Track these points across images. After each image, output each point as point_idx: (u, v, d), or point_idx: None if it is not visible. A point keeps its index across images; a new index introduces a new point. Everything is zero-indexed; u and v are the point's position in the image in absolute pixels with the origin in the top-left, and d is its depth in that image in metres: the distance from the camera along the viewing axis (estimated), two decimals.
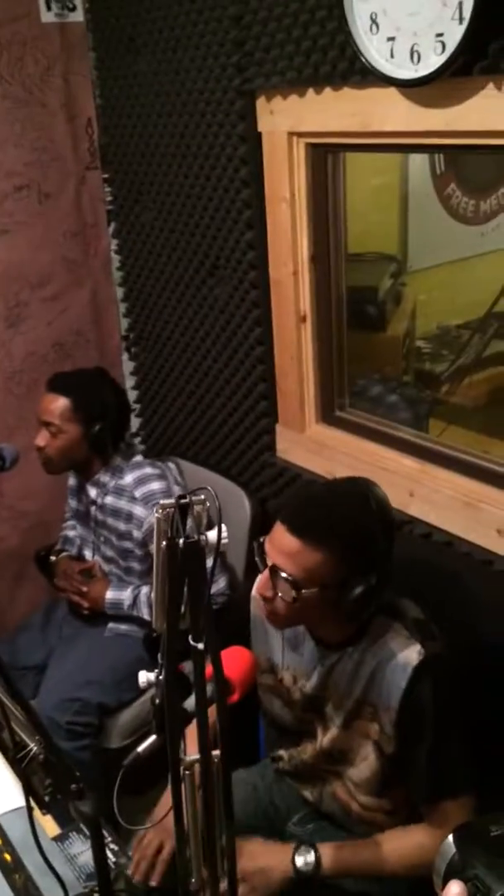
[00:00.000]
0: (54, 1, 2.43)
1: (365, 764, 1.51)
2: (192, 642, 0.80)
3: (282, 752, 1.68)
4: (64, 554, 2.48)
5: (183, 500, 0.78)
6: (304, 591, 1.36)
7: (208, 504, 0.79)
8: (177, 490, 2.28)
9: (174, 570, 0.74)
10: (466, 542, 1.84)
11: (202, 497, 0.79)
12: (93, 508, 2.35)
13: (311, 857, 1.44)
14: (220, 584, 2.21)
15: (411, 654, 1.42)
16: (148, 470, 2.29)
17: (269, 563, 1.40)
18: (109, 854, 1.42)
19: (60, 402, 2.21)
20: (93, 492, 2.31)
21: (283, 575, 1.37)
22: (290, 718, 1.61)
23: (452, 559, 1.85)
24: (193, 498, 0.79)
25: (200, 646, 0.79)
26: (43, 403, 2.24)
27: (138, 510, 2.21)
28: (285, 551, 1.37)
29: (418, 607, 1.51)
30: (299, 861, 1.44)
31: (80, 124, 2.61)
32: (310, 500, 1.45)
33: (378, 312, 2.72)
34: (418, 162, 2.81)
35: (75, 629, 2.39)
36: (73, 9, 2.48)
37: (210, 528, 0.79)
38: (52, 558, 2.48)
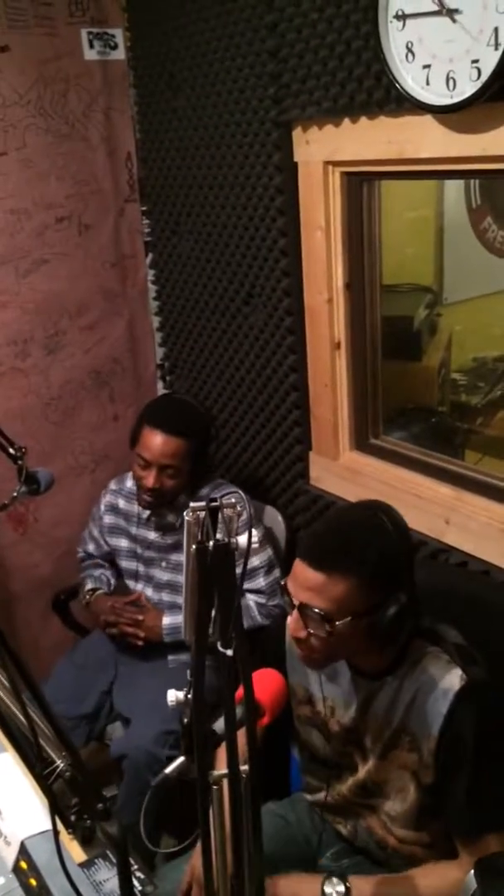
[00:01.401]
0: (97, 39, 2.51)
1: (402, 796, 1.46)
2: (220, 648, 0.79)
3: (319, 785, 1.63)
4: (100, 592, 2.42)
5: (213, 504, 0.78)
6: (337, 622, 1.33)
7: (239, 508, 0.78)
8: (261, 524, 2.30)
9: (203, 574, 0.74)
10: None
11: (233, 501, 0.78)
12: (156, 534, 2.32)
13: (340, 888, 1.39)
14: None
15: (453, 680, 1.38)
16: (222, 481, 2.31)
17: (296, 602, 1.37)
18: (136, 882, 1.39)
19: (180, 444, 2.15)
20: (170, 516, 2.29)
21: (313, 611, 1.34)
22: (329, 751, 1.57)
23: (490, 588, 1.81)
24: (224, 501, 0.78)
25: (229, 652, 0.77)
26: (159, 446, 2.14)
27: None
28: (311, 587, 1.35)
29: (458, 633, 1.48)
30: (328, 889, 1.39)
31: (120, 158, 2.68)
32: (325, 532, 1.43)
33: (413, 342, 2.72)
34: (454, 195, 2.83)
35: (131, 667, 2.32)
36: (115, 47, 2.55)
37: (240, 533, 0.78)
38: (88, 598, 2.42)
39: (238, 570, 0.76)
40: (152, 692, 2.15)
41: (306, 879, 1.45)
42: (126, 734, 2.19)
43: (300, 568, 1.37)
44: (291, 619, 1.39)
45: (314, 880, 1.42)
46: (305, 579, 1.35)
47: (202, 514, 0.77)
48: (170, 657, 2.28)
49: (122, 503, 2.42)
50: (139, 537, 2.38)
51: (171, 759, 2.04)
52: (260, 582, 2.20)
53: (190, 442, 2.17)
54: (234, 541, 0.74)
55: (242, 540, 0.76)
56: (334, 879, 1.40)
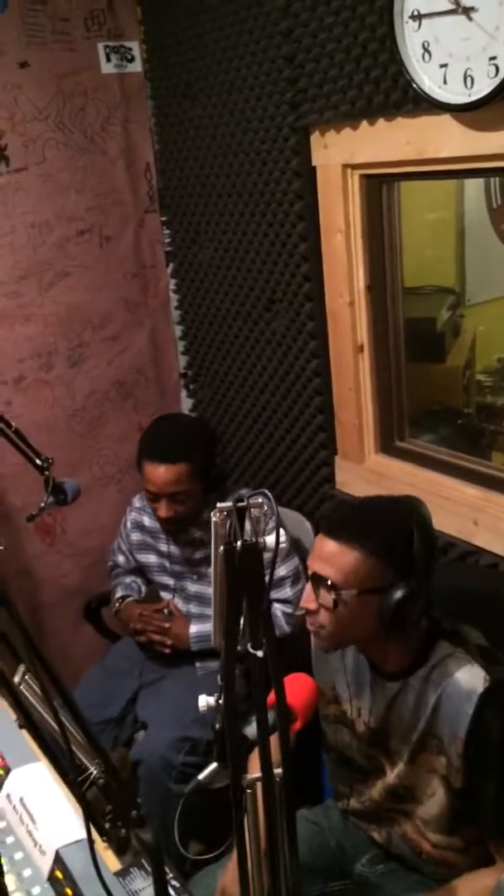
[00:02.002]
0: (114, 53, 2.53)
1: (433, 800, 1.45)
2: (250, 649, 0.78)
3: (349, 790, 1.62)
4: (129, 599, 2.43)
5: (240, 504, 0.78)
6: (342, 592, 1.35)
7: (266, 508, 0.78)
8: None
9: (232, 575, 0.73)
10: None
11: (260, 500, 0.78)
12: (184, 550, 2.32)
13: None
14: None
15: (476, 681, 1.37)
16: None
17: (310, 573, 1.41)
18: (171, 891, 1.38)
19: (180, 469, 2.14)
20: (196, 532, 2.28)
21: (322, 579, 1.37)
22: (357, 752, 1.56)
23: None
24: (251, 501, 0.78)
25: (260, 653, 0.77)
26: (160, 477, 2.15)
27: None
28: (323, 556, 1.39)
29: (481, 634, 1.46)
30: None
31: (139, 170, 2.69)
32: (347, 507, 1.50)
33: (437, 344, 2.70)
34: (474, 195, 2.81)
35: (158, 674, 2.32)
36: (132, 60, 2.57)
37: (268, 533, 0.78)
38: (117, 605, 2.43)
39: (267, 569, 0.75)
40: (173, 699, 2.18)
41: None
42: (143, 740, 2.20)
43: (319, 539, 1.42)
44: (305, 591, 1.43)
45: None
46: (320, 549, 1.40)
47: (229, 514, 0.77)
48: (198, 664, 2.28)
49: (146, 520, 2.43)
50: (167, 553, 2.38)
51: (185, 766, 2.06)
52: (287, 591, 2.19)
53: (192, 463, 2.16)
54: (262, 540, 0.74)
55: (270, 540, 0.76)
56: None
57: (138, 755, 2.12)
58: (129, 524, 2.47)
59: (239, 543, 0.73)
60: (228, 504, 0.79)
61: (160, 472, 2.15)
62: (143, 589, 2.50)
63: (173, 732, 2.08)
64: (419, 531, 1.39)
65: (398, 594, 1.35)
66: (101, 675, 2.40)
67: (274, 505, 0.79)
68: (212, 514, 0.80)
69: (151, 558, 2.42)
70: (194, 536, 2.29)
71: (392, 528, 1.38)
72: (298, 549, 2.32)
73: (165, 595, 2.42)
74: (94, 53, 2.51)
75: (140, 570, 2.50)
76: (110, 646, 2.57)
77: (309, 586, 1.41)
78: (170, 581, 2.40)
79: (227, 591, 0.75)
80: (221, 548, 0.75)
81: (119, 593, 2.46)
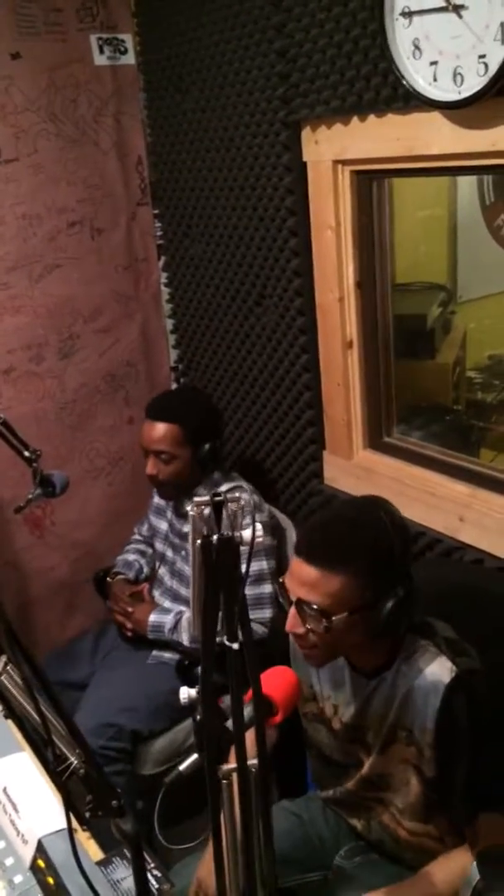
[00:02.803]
0: (107, 45, 2.52)
1: (406, 789, 1.46)
2: (226, 642, 0.79)
3: (329, 782, 1.63)
4: (120, 577, 2.49)
5: (217, 498, 0.78)
6: (334, 618, 1.33)
7: (243, 502, 0.78)
8: (266, 507, 2.31)
9: (209, 568, 0.74)
10: None
11: (237, 495, 0.79)
12: (179, 522, 2.36)
13: None
14: (265, 613, 2.18)
15: (443, 672, 1.38)
16: (245, 484, 2.30)
17: (294, 598, 1.37)
18: (152, 880, 1.39)
19: (170, 429, 2.19)
20: (188, 506, 2.30)
21: (310, 607, 1.34)
22: (335, 748, 1.57)
23: None
24: (228, 496, 0.79)
25: (235, 646, 0.78)
26: (149, 433, 2.21)
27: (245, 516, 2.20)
28: (306, 582, 1.35)
29: (448, 626, 1.47)
30: None
31: (131, 162, 2.69)
32: (320, 527, 1.42)
33: (427, 340, 2.71)
34: (467, 193, 2.82)
35: (122, 654, 2.39)
36: (125, 52, 2.57)
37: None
38: (109, 580, 2.50)
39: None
40: (117, 684, 2.23)
41: None
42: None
43: (296, 564, 1.37)
44: (290, 616, 1.39)
45: None
46: (301, 575, 1.36)
47: (206, 508, 0.78)
48: (154, 653, 2.32)
49: None
50: (173, 523, 2.43)
51: (105, 749, 2.08)
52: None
53: (181, 426, 2.19)
54: (239, 534, 0.74)
55: (247, 533, 0.76)
56: None
57: None
58: (151, 511, 2.53)
59: (215, 537, 0.74)
60: (205, 497, 0.80)
61: (148, 428, 2.23)
62: (146, 571, 2.55)
63: (100, 718, 2.12)
64: (396, 536, 1.37)
65: (388, 605, 1.34)
66: (88, 643, 2.48)
67: (252, 499, 0.79)
68: (188, 507, 0.81)
69: (163, 525, 2.48)
70: (186, 510, 2.31)
71: (371, 542, 1.35)
72: (280, 546, 2.33)
73: (161, 569, 2.47)
74: (86, 45, 2.50)
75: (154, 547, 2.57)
76: (107, 617, 2.61)
77: (293, 610, 1.38)
78: (168, 552, 2.45)
79: (205, 584, 0.76)
80: (198, 541, 0.76)
81: (116, 568, 2.53)
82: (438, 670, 1.38)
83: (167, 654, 2.31)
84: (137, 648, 2.36)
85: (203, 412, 2.29)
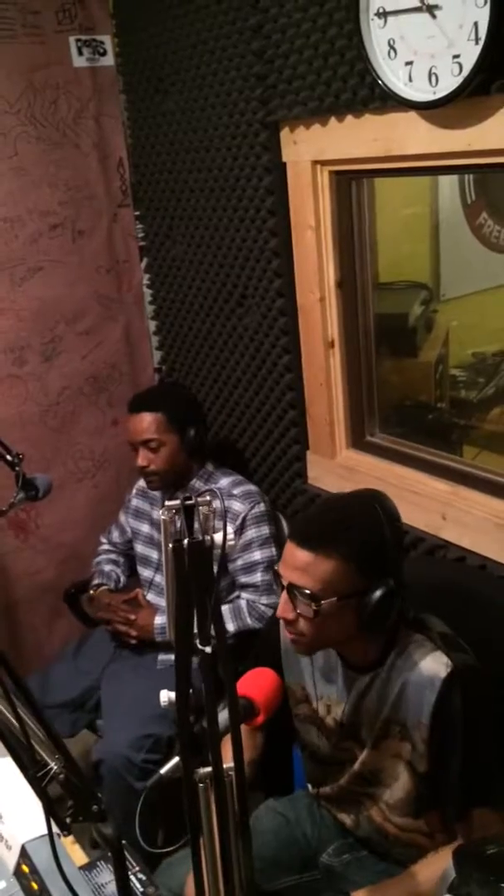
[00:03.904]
0: (86, 46, 2.52)
1: (398, 784, 1.46)
2: (199, 646, 0.79)
3: (321, 780, 1.64)
4: (103, 587, 2.46)
5: (188, 502, 0.78)
6: (323, 602, 1.34)
7: (215, 506, 0.79)
8: (266, 498, 2.32)
9: (180, 572, 0.74)
10: (501, 565, 1.80)
11: (208, 498, 0.79)
12: None
13: None
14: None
15: (438, 667, 1.38)
16: (241, 477, 2.33)
17: (285, 583, 1.39)
18: (137, 883, 1.39)
19: (154, 417, 2.24)
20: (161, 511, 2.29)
21: (300, 590, 1.35)
22: (328, 748, 1.57)
23: (487, 582, 1.81)
24: (199, 499, 0.79)
25: (208, 649, 0.78)
26: (134, 425, 2.26)
27: (236, 505, 2.21)
28: (298, 566, 1.36)
29: (442, 622, 1.48)
30: None
31: (112, 164, 2.69)
32: (315, 513, 1.46)
33: (409, 339, 2.71)
34: (448, 192, 2.82)
35: (123, 665, 2.34)
36: (104, 53, 2.56)
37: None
38: (91, 592, 2.47)
39: (228, 566, 0.76)
40: (134, 694, 2.19)
41: None
42: (104, 740, 2.20)
43: (289, 548, 1.39)
44: (281, 601, 1.41)
45: None
46: (293, 559, 1.37)
47: (177, 512, 0.78)
48: (161, 657, 2.30)
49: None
50: (158, 521, 2.41)
51: (146, 763, 2.06)
52: (257, 577, 2.20)
53: (163, 413, 2.24)
54: (210, 537, 0.75)
55: (219, 537, 0.76)
56: None
57: (100, 754, 2.12)
58: (134, 491, 2.51)
59: (186, 541, 0.74)
60: (176, 502, 0.80)
61: (132, 421, 2.27)
62: (123, 580, 2.52)
63: (133, 731, 2.09)
64: (390, 528, 1.38)
65: (377, 594, 1.34)
66: (69, 658, 2.44)
67: (222, 500, 0.79)
68: (160, 512, 0.81)
69: (144, 527, 2.47)
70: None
71: (364, 530, 1.37)
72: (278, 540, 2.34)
73: (143, 571, 2.45)
74: (65, 47, 2.49)
75: (128, 555, 2.55)
76: (84, 631, 2.59)
77: (284, 595, 1.39)
78: (154, 554, 2.43)
79: (177, 588, 0.76)
80: (170, 545, 0.76)
81: (95, 580, 2.50)
82: (434, 665, 1.39)
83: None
84: (139, 655, 2.32)
85: (182, 399, 2.34)
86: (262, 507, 2.24)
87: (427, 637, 1.43)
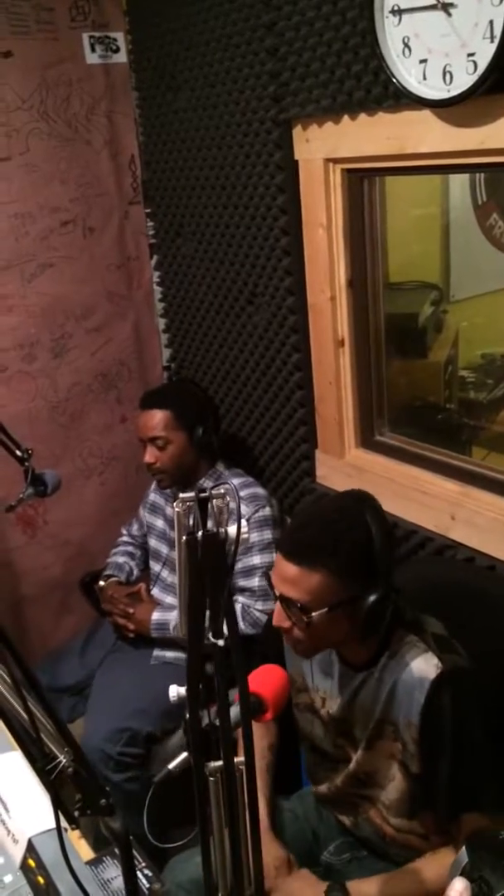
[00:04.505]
0: (98, 43, 2.52)
1: (392, 785, 1.47)
2: (211, 639, 0.79)
3: (320, 777, 1.64)
4: (112, 579, 2.49)
5: (203, 495, 0.78)
6: (313, 614, 1.35)
7: (228, 499, 0.79)
8: (274, 503, 2.32)
9: (194, 565, 0.74)
10: None
11: (222, 491, 0.79)
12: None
13: None
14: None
15: (429, 668, 1.39)
16: (251, 479, 2.34)
17: (278, 594, 1.40)
18: (143, 879, 1.39)
19: (162, 415, 2.25)
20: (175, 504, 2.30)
21: (291, 602, 1.37)
22: (325, 741, 1.59)
23: (496, 583, 1.81)
24: (214, 492, 0.79)
25: (221, 642, 0.78)
26: (143, 422, 2.28)
27: (242, 508, 2.22)
28: (287, 579, 1.37)
29: (440, 623, 1.48)
30: None
31: (124, 161, 2.69)
32: (301, 525, 1.45)
33: (418, 339, 2.71)
34: (459, 192, 2.82)
35: (121, 657, 2.38)
36: (117, 50, 2.56)
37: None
38: (101, 583, 2.50)
39: (234, 561, 0.76)
40: (122, 687, 2.23)
41: (307, 886, 1.45)
42: (84, 732, 2.22)
43: (278, 561, 1.40)
44: (276, 610, 1.42)
45: (316, 888, 1.43)
46: (283, 572, 1.38)
47: (192, 504, 0.78)
48: (155, 652, 2.32)
49: None
50: (170, 518, 2.43)
51: (122, 756, 2.08)
52: (254, 582, 2.20)
53: (171, 410, 2.24)
54: (224, 531, 0.75)
55: (233, 530, 0.76)
56: (334, 893, 1.41)
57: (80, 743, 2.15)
58: (153, 485, 2.53)
59: (200, 534, 0.74)
60: (190, 494, 0.80)
61: (143, 417, 2.28)
62: (136, 573, 2.55)
63: (113, 723, 2.12)
64: (377, 531, 1.38)
65: (369, 600, 1.35)
66: (78, 645, 2.49)
67: (237, 494, 0.79)
68: (175, 504, 0.81)
69: (159, 522, 2.49)
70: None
71: (350, 538, 1.37)
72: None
73: (154, 565, 2.48)
74: (78, 44, 2.50)
75: (145, 549, 2.57)
76: (96, 620, 2.61)
77: (278, 605, 1.41)
78: (164, 549, 2.44)
79: (190, 581, 0.76)
80: (184, 538, 0.76)
81: (107, 571, 2.53)
82: (424, 666, 1.39)
83: (169, 654, 2.30)
84: (137, 649, 2.35)
85: (192, 397, 2.33)
86: (266, 511, 2.24)
87: (420, 638, 1.44)
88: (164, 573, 2.44)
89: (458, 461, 2.03)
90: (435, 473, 2.04)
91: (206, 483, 2.30)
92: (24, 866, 1.37)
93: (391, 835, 1.52)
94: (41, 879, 1.36)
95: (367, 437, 2.22)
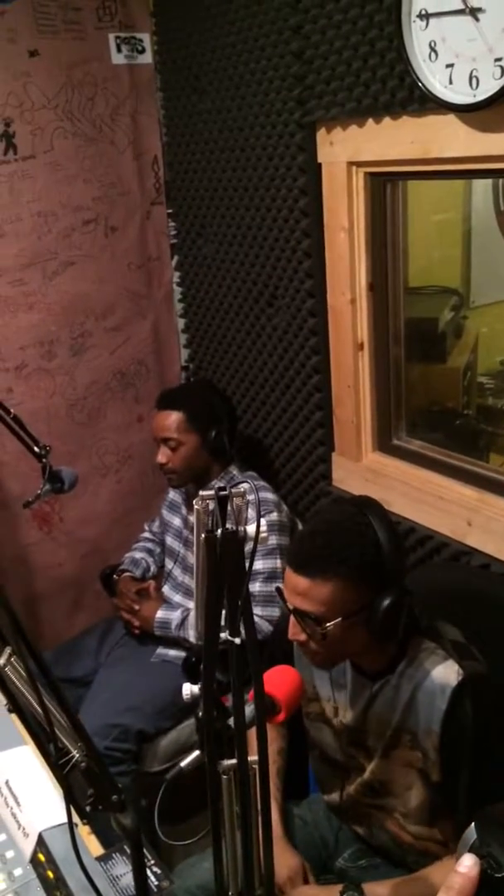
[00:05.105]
0: (124, 44, 2.53)
1: (410, 793, 1.46)
2: (228, 636, 0.79)
3: (331, 787, 1.63)
4: (126, 574, 2.51)
5: (223, 493, 0.78)
6: (328, 625, 1.34)
7: (249, 498, 0.79)
8: (284, 508, 2.31)
9: (212, 563, 0.74)
10: None
11: (242, 490, 0.79)
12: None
13: None
14: (274, 611, 2.17)
15: (450, 675, 1.38)
16: (262, 482, 2.34)
17: (291, 607, 1.39)
18: (152, 876, 1.39)
19: (175, 416, 2.27)
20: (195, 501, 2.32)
21: (305, 615, 1.36)
22: (337, 750, 1.57)
23: None
24: (233, 490, 0.79)
25: (238, 640, 0.78)
26: (157, 422, 2.31)
27: (250, 512, 2.21)
28: (298, 591, 1.36)
29: (457, 630, 1.47)
30: None
31: (147, 161, 2.70)
32: (308, 535, 1.43)
33: (438, 344, 2.70)
34: (481, 198, 2.81)
35: (126, 651, 2.40)
36: (143, 51, 2.58)
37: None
38: (115, 577, 2.52)
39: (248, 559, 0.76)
40: (120, 683, 2.24)
41: (322, 890, 1.45)
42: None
43: (288, 574, 1.39)
44: (290, 624, 1.41)
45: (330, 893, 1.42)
46: (293, 584, 1.37)
47: (212, 502, 0.78)
48: (158, 650, 2.33)
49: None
50: (185, 517, 2.46)
51: (110, 750, 2.08)
52: (255, 587, 2.18)
53: (184, 412, 2.26)
54: (243, 529, 0.75)
55: (251, 529, 0.76)
56: (348, 894, 1.40)
57: None
58: (164, 507, 2.56)
59: (219, 531, 0.74)
60: (210, 492, 0.80)
61: (158, 417, 2.31)
62: (153, 569, 2.57)
63: (105, 718, 2.13)
64: (385, 537, 1.37)
65: (383, 606, 1.34)
66: (93, 640, 2.50)
67: (257, 494, 0.79)
68: (194, 501, 0.81)
69: (175, 520, 2.51)
70: None
71: (359, 546, 1.35)
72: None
73: (168, 563, 2.50)
74: (104, 44, 2.51)
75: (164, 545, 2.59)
76: (112, 613, 2.63)
77: (293, 619, 1.39)
78: (180, 548, 2.46)
79: (209, 579, 0.76)
80: (203, 535, 0.76)
81: (123, 565, 2.56)
82: (445, 673, 1.38)
83: (171, 652, 2.31)
84: (142, 645, 2.37)
85: (207, 399, 2.33)
86: (274, 516, 2.23)
87: (439, 645, 1.43)
88: (176, 571, 2.45)
89: (475, 467, 2.03)
90: (452, 479, 2.03)
91: (219, 484, 2.29)
92: (34, 860, 1.38)
93: (409, 842, 1.51)
94: (51, 874, 1.36)
95: (385, 441, 2.22)
